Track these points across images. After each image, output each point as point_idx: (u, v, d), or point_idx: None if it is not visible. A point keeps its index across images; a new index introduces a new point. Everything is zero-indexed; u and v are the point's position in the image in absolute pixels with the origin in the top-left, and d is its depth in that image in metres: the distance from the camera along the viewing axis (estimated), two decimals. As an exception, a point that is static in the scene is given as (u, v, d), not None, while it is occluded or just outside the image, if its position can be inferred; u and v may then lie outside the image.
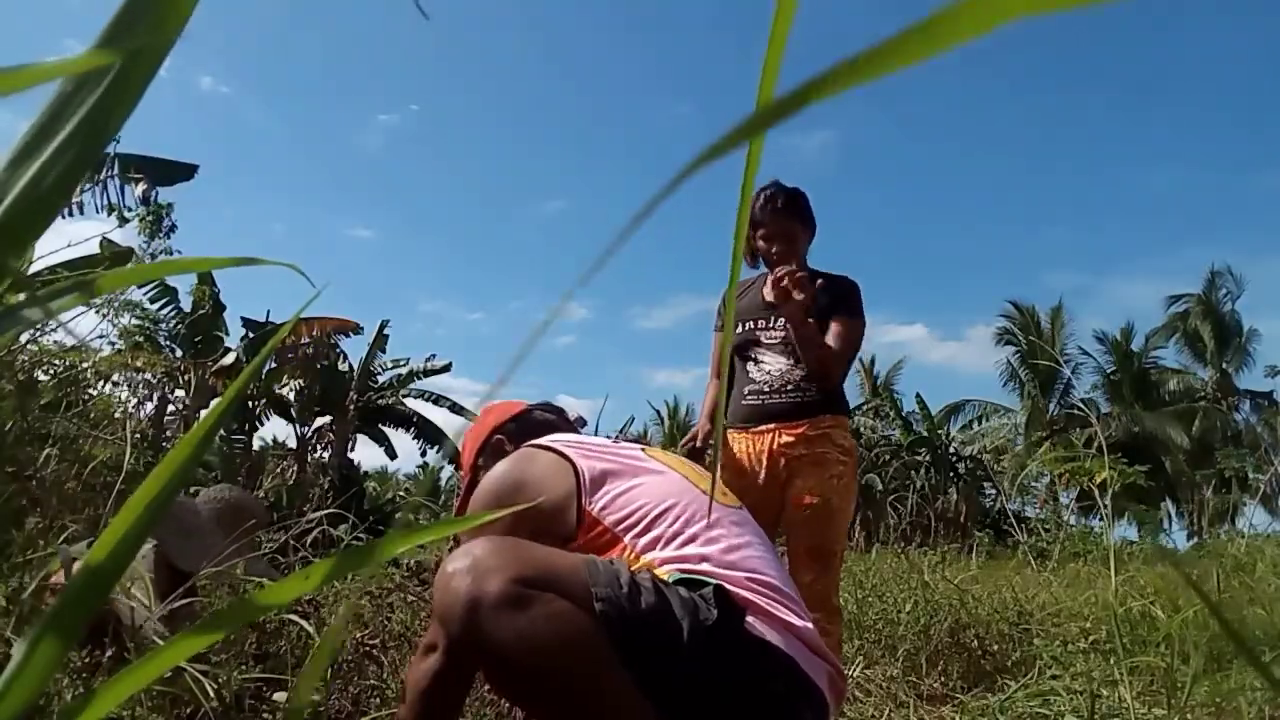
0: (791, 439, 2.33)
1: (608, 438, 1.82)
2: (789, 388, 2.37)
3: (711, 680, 1.17)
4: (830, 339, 2.35)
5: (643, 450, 1.59)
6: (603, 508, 1.39)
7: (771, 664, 1.21)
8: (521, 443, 1.60)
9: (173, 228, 9.76)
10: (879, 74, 0.19)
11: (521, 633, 1.09)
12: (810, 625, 1.28)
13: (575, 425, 1.83)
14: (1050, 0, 0.18)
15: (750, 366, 2.44)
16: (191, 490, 2.91)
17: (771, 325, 2.43)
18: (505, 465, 1.53)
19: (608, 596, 1.15)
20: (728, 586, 1.23)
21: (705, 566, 1.28)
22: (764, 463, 2.36)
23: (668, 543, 1.34)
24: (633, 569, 1.23)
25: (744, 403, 2.43)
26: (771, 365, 2.41)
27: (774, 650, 1.21)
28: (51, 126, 0.30)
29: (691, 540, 1.34)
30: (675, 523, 1.36)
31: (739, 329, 2.48)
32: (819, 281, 2.41)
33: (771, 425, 2.37)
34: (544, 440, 1.57)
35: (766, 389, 2.39)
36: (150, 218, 9.28)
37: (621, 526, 1.37)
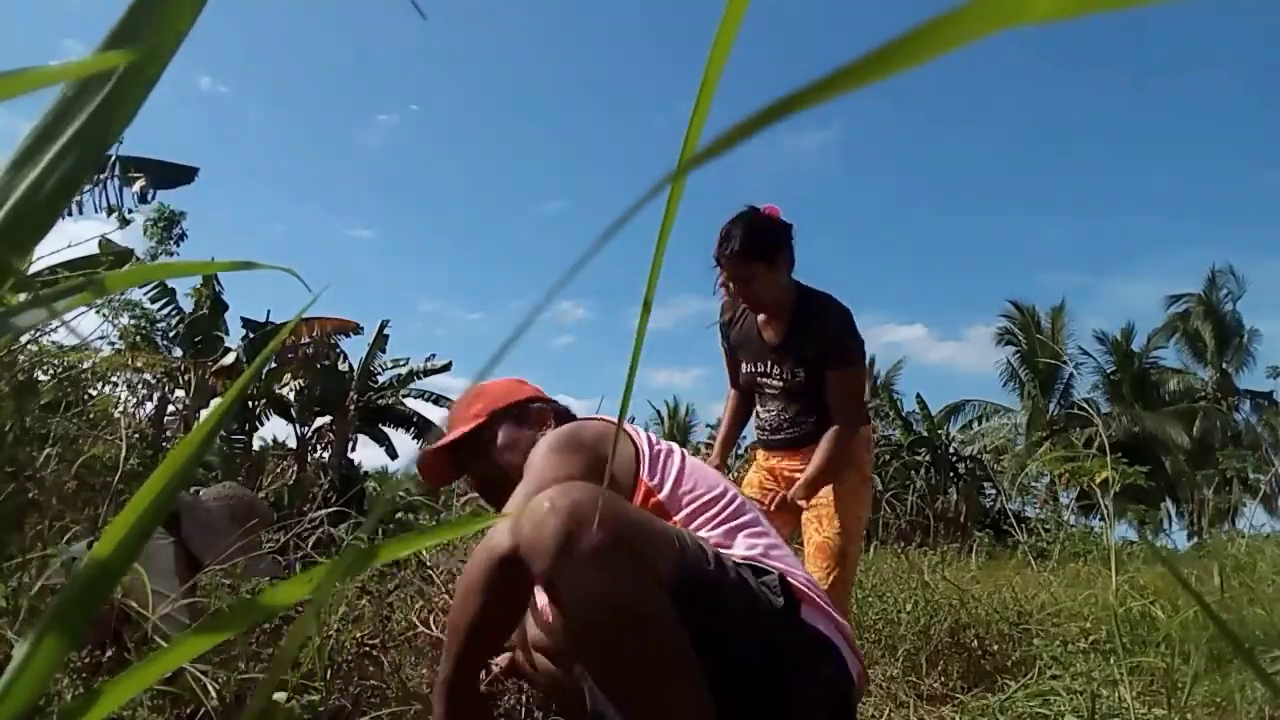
0: (795, 463, 2.55)
1: None
2: (785, 426, 2.56)
3: (775, 663, 1.19)
4: (831, 398, 2.46)
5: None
6: (657, 483, 1.40)
7: (824, 652, 1.24)
8: (560, 424, 1.59)
9: (183, 235, 9.78)
10: (810, 105, 0.19)
11: (608, 587, 1.07)
12: (847, 623, 1.33)
13: None
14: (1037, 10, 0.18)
15: (758, 403, 2.65)
16: (194, 490, 2.91)
17: (769, 373, 2.55)
18: (580, 424, 1.49)
19: (696, 569, 1.15)
20: (788, 579, 1.25)
21: (757, 553, 1.30)
22: (773, 481, 2.60)
23: (716, 528, 1.35)
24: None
25: (757, 435, 2.68)
26: (770, 408, 2.60)
27: (826, 640, 1.25)
28: (55, 129, 0.30)
29: (738, 531, 1.35)
30: (724, 512, 1.38)
31: (746, 367, 2.62)
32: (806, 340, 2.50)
33: (778, 454, 2.60)
34: (599, 416, 1.57)
35: (768, 428, 2.61)
36: (161, 224, 9.30)
37: (675, 505, 1.37)
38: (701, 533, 1.33)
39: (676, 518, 1.36)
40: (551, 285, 0.22)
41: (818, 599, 1.29)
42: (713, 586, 1.15)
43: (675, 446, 1.56)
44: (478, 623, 1.22)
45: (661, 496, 1.39)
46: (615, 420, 1.53)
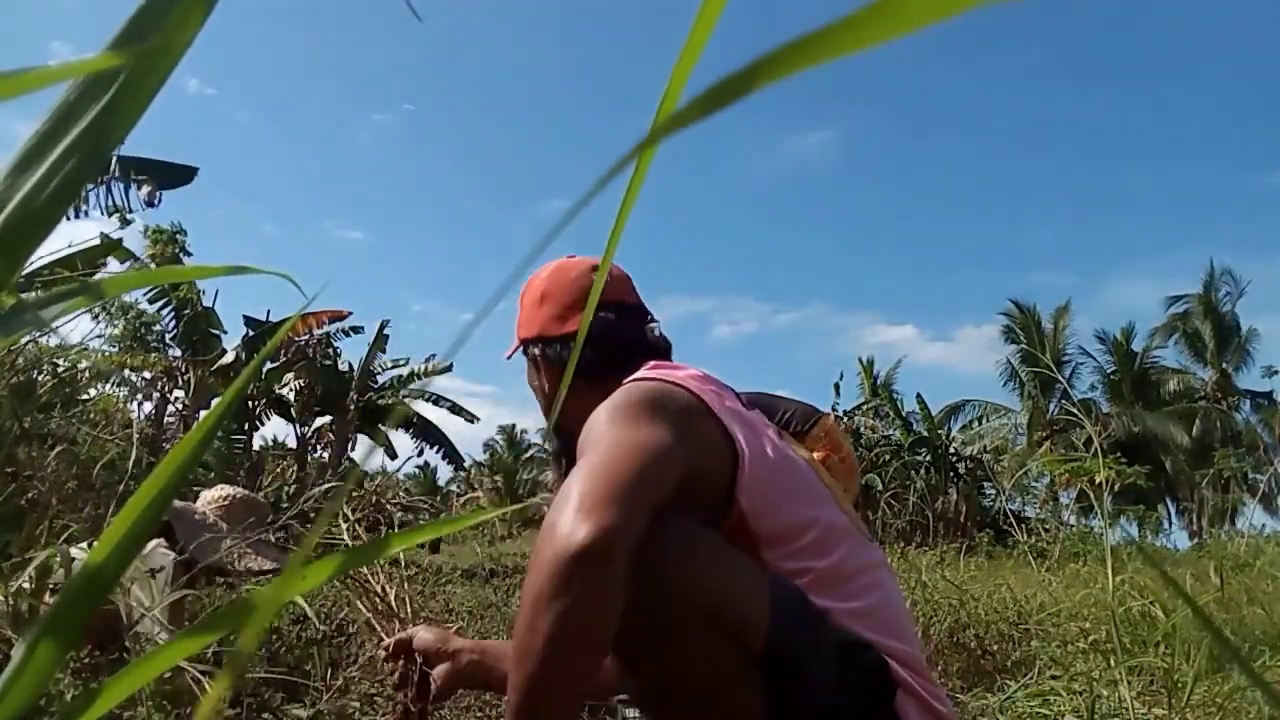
0: None
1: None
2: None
3: None
4: None
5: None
6: (754, 509, 1.05)
7: None
8: (604, 367, 1.19)
9: (184, 250, 9.80)
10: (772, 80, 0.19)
11: (665, 670, 0.90)
12: (946, 711, 1.10)
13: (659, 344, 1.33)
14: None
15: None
16: (189, 492, 2.91)
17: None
18: (662, 386, 1.08)
19: (784, 644, 0.94)
20: (887, 660, 1.03)
21: (863, 623, 1.05)
22: None
23: (820, 577, 1.05)
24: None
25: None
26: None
27: None
28: (57, 132, 0.30)
29: (846, 581, 1.07)
30: (826, 549, 1.07)
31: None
32: None
33: None
34: (686, 379, 1.11)
35: None
36: (165, 240, 9.32)
37: (770, 540, 1.05)
38: (804, 575, 1.04)
39: (767, 556, 1.04)
40: (523, 258, 0.22)
41: (922, 689, 1.06)
42: (791, 670, 0.94)
43: (765, 422, 1.17)
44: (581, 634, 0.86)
45: (758, 528, 1.04)
46: (698, 390, 1.09)
